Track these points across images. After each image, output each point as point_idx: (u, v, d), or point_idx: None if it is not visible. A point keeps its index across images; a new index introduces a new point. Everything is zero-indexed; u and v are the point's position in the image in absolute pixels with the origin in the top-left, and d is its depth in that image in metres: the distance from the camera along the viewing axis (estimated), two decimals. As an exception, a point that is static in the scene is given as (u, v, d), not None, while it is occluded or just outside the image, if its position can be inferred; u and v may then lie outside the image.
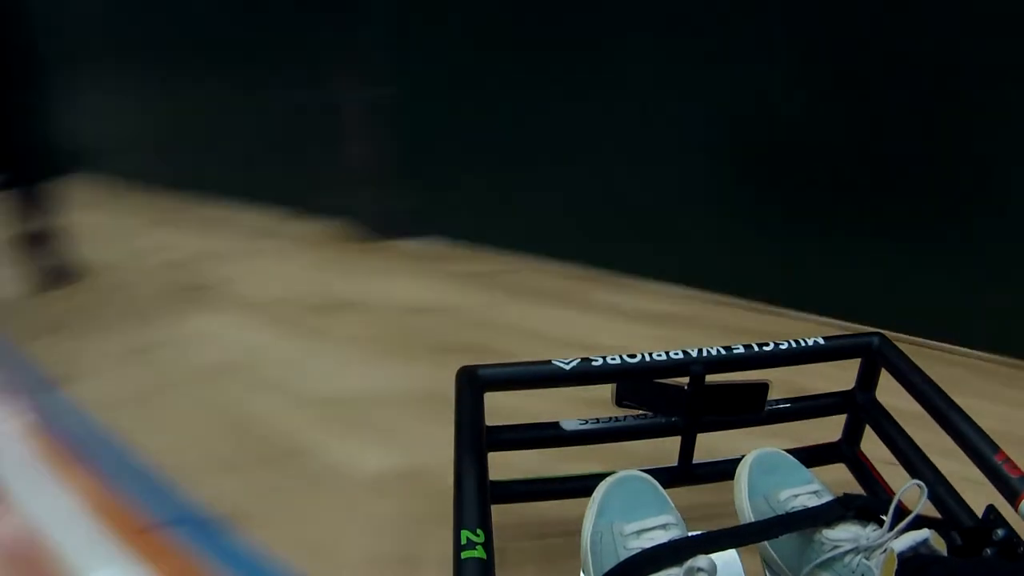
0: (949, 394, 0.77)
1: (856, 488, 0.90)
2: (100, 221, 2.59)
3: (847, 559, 0.63)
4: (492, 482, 0.76)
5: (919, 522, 0.61)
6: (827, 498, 0.71)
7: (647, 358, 0.83)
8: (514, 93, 1.81)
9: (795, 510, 0.70)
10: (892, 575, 0.56)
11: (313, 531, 0.99)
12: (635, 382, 0.82)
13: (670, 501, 0.73)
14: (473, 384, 0.81)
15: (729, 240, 1.61)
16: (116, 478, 1.13)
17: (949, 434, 0.74)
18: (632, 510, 0.71)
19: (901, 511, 0.62)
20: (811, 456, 0.89)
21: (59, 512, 1.06)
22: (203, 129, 2.70)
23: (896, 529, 0.61)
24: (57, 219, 2.00)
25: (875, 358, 0.88)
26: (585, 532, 0.72)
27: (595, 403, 0.87)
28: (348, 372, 1.47)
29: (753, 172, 1.55)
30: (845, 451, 0.95)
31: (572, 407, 0.91)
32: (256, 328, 1.71)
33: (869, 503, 0.67)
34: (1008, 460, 0.67)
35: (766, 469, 0.78)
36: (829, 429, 0.95)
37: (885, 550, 0.59)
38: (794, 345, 0.86)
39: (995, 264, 1.30)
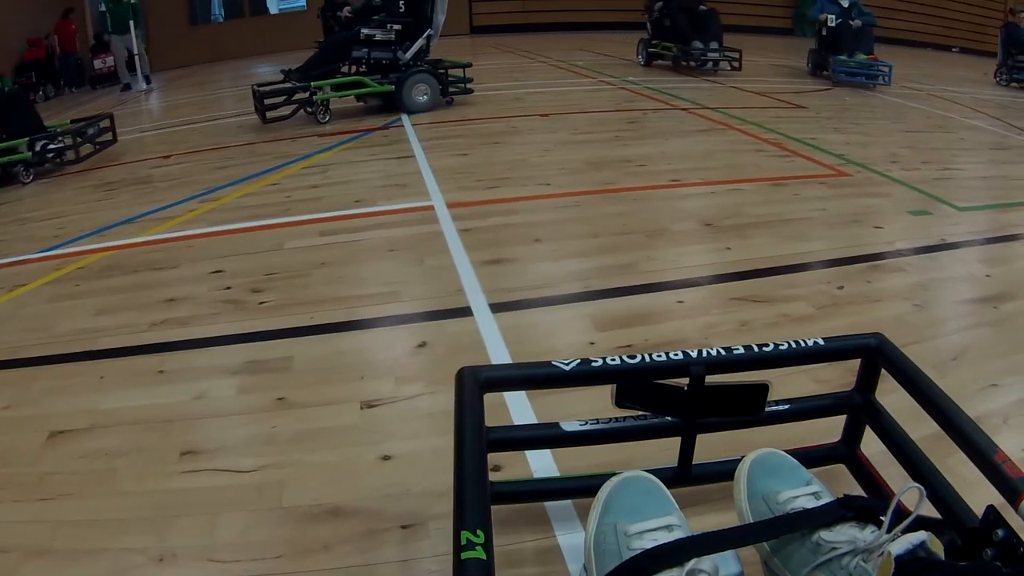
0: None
1: (857, 489, 0.90)
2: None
3: (844, 561, 0.63)
4: (492, 482, 0.76)
5: (919, 523, 0.61)
6: (827, 499, 0.71)
7: (647, 359, 0.83)
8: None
9: (794, 511, 0.70)
10: None
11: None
12: (635, 382, 0.82)
13: (674, 502, 0.73)
14: (473, 384, 0.81)
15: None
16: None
17: (949, 434, 0.74)
18: (637, 510, 0.70)
19: (901, 512, 0.62)
20: (811, 457, 0.89)
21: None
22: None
23: (894, 531, 0.61)
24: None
25: (875, 358, 0.88)
26: (589, 532, 0.72)
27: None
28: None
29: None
30: (845, 452, 0.94)
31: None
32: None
33: (868, 504, 0.67)
34: (1008, 460, 0.67)
35: (765, 470, 0.78)
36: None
37: (882, 553, 0.59)
38: (794, 346, 0.86)
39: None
